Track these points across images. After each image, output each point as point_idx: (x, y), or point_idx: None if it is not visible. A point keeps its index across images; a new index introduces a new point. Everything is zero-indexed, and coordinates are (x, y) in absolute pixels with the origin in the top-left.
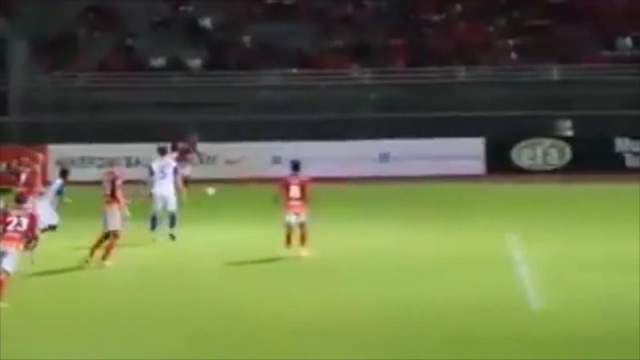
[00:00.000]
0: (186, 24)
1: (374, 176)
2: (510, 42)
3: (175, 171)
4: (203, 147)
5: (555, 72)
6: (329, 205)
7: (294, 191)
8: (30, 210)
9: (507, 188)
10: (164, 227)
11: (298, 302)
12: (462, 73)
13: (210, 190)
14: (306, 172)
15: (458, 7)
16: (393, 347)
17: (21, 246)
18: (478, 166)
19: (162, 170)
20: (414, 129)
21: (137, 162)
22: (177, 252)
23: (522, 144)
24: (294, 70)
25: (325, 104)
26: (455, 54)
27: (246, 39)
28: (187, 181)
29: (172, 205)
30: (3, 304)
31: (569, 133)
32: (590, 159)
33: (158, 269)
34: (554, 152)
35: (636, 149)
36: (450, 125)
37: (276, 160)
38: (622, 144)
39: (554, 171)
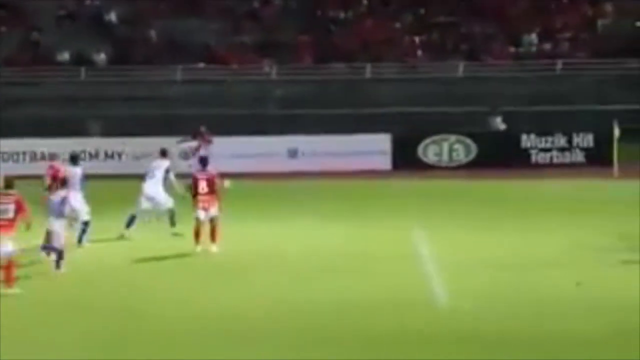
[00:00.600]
0: (92, 19)
1: (282, 172)
2: (416, 39)
3: (167, 171)
4: (108, 142)
5: (460, 69)
6: (237, 201)
7: (202, 187)
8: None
9: (413, 184)
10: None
11: (202, 300)
12: (368, 70)
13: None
14: (213, 167)
15: (364, 4)
16: (299, 345)
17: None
18: (385, 162)
19: (152, 171)
20: (322, 125)
21: (43, 157)
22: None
23: (428, 140)
24: (201, 66)
25: (232, 99)
26: (361, 50)
27: (152, 33)
28: None
29: (164, 204)
30: (16, 291)
31: (502, 127)
32: (496, 155)
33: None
34: (460, 149)
35: (542, 145)
36: (357, 122)
37: (183, 155)
38: (528, 141)
39: (460, 167)
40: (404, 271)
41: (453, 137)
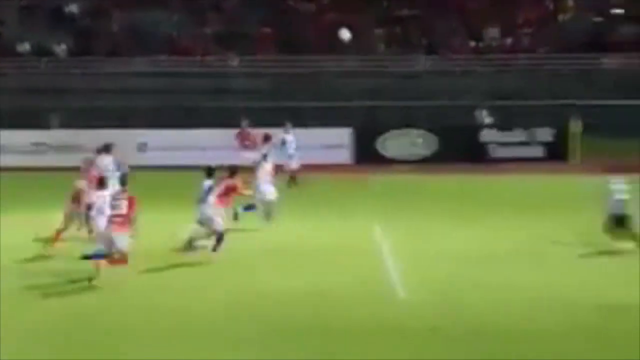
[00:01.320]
0: (53, 10)
1: (240, 163)
2: (378, 32)
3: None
4: (68, 134)
5: (422, 63)
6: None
7: None
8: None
9: (374, 178)
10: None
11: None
12: (330, 63)
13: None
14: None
15: None
16: (258, 338)
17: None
18: (345, 156)
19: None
20: (282, 118)
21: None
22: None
23: (389, 134)
24: (163, 57)
25: (194, 91)
26: (323, 43)
27: (114, 25)
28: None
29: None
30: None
31: (487, 121)
32: (455, 150)
33: None
34: (420, 143)
35: (501, 140)
36: (318, 115)
37: (141, 147)
38: (487, 135)
39: (421, 161)
40: (365, 264)
41: (414, 131)
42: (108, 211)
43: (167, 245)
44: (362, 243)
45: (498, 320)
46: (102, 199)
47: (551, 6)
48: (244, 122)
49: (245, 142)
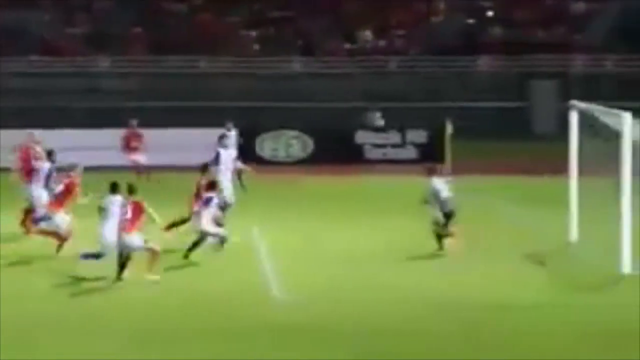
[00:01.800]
0: None
1: (117, 165)
2: (252, 33)
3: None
4: None
5: (296, 64)
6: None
7: None
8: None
9: (251, 179)
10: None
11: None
12: (203, 63)
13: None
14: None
15: None
16: (136, 342)
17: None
18: None
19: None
20: (156, 118)
21: None
22: None
23: (265, 135)
24: (34, 57)
25: (65, 91)
26: (196, 43)
27: None
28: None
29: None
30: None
31: (380, 123)
32: (331, 151)
33: None
34: (296, 144)
35: (375, 141)
36: (193, 115)
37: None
38: (362, 136)
39: (297, 163)
40: (243, 266)
41: (290, 133)
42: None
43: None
44: (241, 244)
45: (376, 319)
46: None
47: (423, 8)
48: (133, 122)
49: (132, 144)
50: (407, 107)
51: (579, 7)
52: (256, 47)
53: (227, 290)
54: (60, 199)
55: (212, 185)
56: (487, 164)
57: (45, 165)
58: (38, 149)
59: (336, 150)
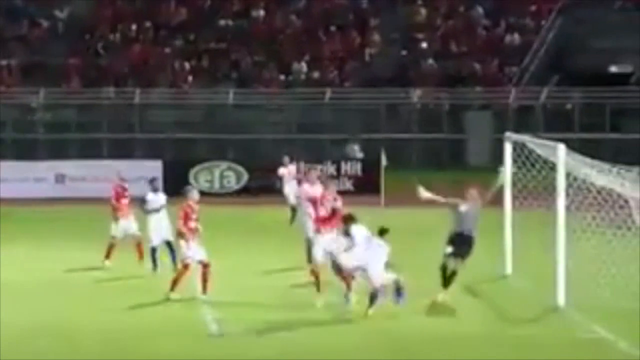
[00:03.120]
0: None
1: (49, 197)
2: (187, 64)
3: None
4: None
5: (231, 96)
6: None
7: None
8: None
9: None
10: None
11: None
12: (137, 94)
13: None
14: None
15: (134, 28)
16: None
17: None
18: None
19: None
20: (91, 150)
21: None
22: None
23: (200, 166)
24: None
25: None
26: (131, 75)
27: None
28: None
29: None
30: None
31: (359, 155)
32: (265, 182)
33: None
34: (230, 175)
35: None
36: (128, 147)
37: None
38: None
39: (231, 194)
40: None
41: (224, 164)
42: None
43: None
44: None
45: (313, 349)
46: None
47: (358, 40)
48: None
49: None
50: (342, 139)
51: (513, 39)
52: (191, 78)
53: (156, 322)
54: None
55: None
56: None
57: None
58: (125, 185)
59: (271, 182)
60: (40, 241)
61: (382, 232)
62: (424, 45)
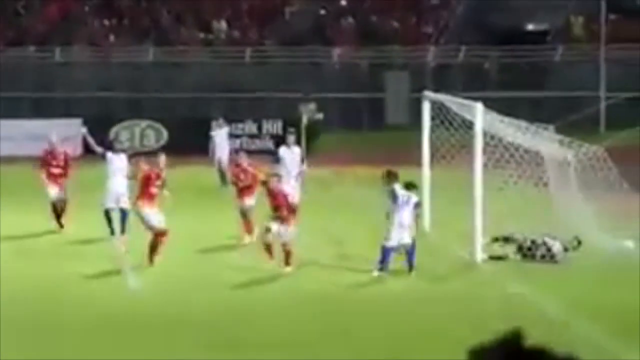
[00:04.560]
0: None
1: None
2: (106, 22)
3: None
4: None
5: (151, 54)
6: None
7: None
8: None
9: (104, 169)
10: None
11: None
12: (57, 53)
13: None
14: None
15: None
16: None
17: None
18: (75, 147)
19: None
20: (10, 109)
21: None
22: None
23: (120, 125)
24: None
25: None
26: (50, 33)
27: None
28: None
29: None
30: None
31: (317, 116)
32: (186, 141)
33: None
34: (150, 134)
35: (232, 132)
36: (47, 106)
37: None
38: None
39: (151, 152)
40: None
41: (144, 123)
42: None
43: None
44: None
45: (228, 307)
46: None
47: None
48: None
49: None
50: (263, 98)
51: None
52: (112, 36)
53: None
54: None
55: None
56: (341, 155)
57: None
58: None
59: (191, 141)
60: None
61: (410, 187)
62: (343, 2)
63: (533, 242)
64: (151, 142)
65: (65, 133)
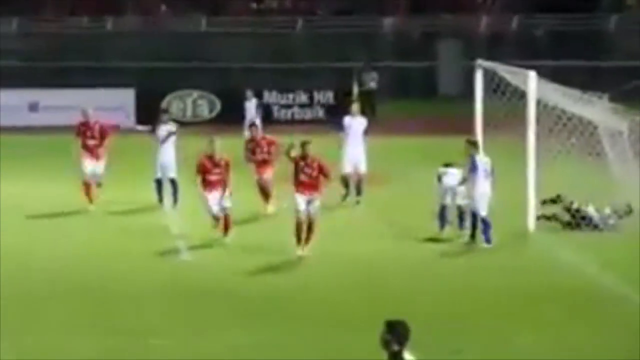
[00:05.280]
0: None
1: (23, 126)
2: None
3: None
4: None
5: (203, 24)
6: None
7: None
8: None
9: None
10: None
11: None
12: (110, 23)
13: None
14: None
15: None
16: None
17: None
18: (128, 117)
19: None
20: (64, 79)
21: None
22: None
23: (172, 95)
24: None
25: None
26: (103, 3)
27: None
28: None
29: None
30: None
31: (373, 85)
32: (238, 111)
33: None
34: (203, 104)
35: (283, 102)
36: (100, 76)
37: None
38: (270, 97)
39: (204, 123)
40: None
41: (196, 93)
42: None
43: None
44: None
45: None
46: None
47: None
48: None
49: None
50: (314, 68)
51: None
52: (163, 6)
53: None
54: None
55: None
56: (393, 124)
57: None
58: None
59: (243, 111)
60: (15, 169)
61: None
62: None
63: (577, 210)
64: (204, 112)
65: (117, 103)
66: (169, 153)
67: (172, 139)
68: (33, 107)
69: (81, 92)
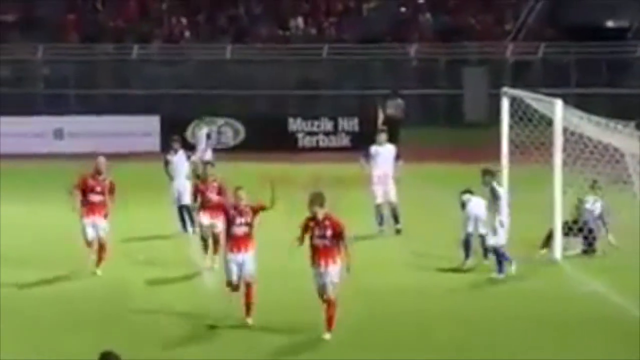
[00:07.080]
0: None
1: (48, 153)
2: (183, 19)
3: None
4: None
5: (228, 51)
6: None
7: None
8: None
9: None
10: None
11: None
12: (135, 50)
13: None
14: None
15: None
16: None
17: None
18: (153, 143)
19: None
20: (89, 106)
21: None
22: None
23: (197, 122)
24: None
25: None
26: (128, 30)
27: None
28: None
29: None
30: None
31: (399, 113)
32: (263, 139)
33: None
34: (228, 131)
35: (308, 129)
36: (125, 103)
37: None
38: (295, 124)
39: (228, 150)
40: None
41: (221, 120)
42: None
43: None
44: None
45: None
46: None
47: None
48: None
49: None
50: (339, 95)
51: None
52: (187, 33)
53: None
54: None
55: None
56: (419, 152)
57: None
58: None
59: (268, 138)
60: (39, 197)
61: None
62: (421, 0)
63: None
64: (229, 139)
65: (143, 130)
66: (181, 183)
67: (184, 169)
68: (58, 134)
69: (106, 119)
